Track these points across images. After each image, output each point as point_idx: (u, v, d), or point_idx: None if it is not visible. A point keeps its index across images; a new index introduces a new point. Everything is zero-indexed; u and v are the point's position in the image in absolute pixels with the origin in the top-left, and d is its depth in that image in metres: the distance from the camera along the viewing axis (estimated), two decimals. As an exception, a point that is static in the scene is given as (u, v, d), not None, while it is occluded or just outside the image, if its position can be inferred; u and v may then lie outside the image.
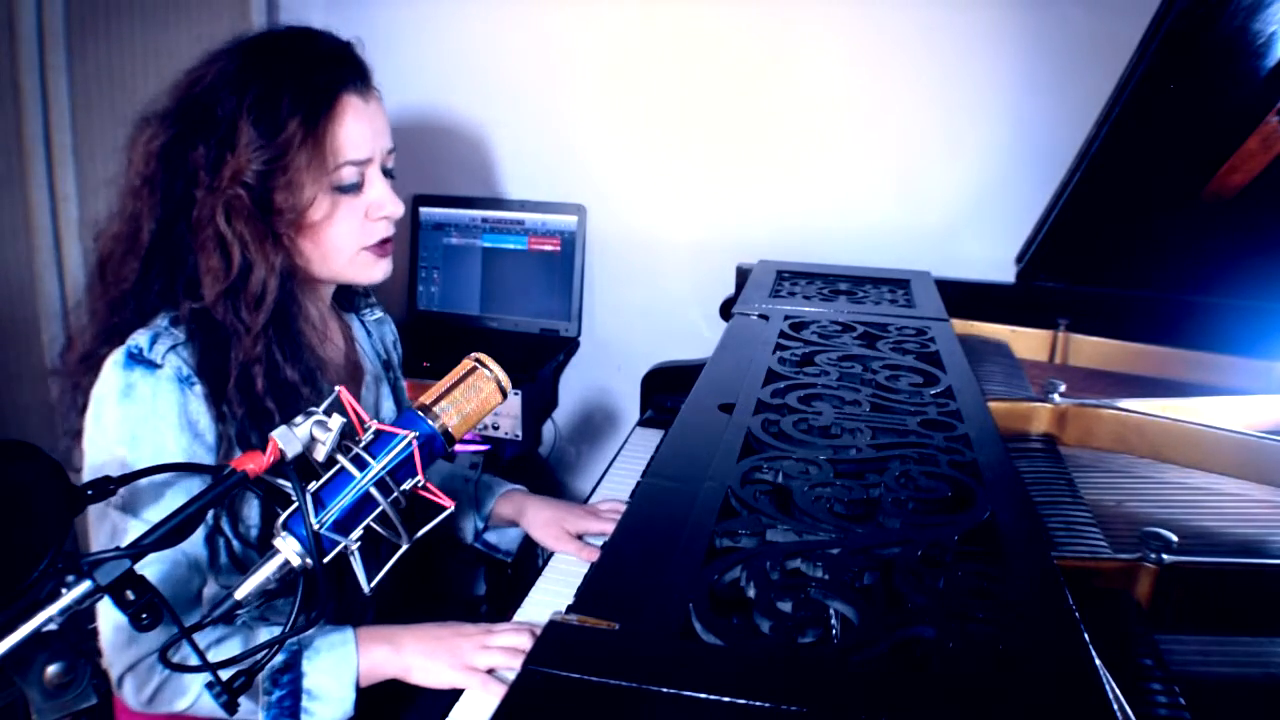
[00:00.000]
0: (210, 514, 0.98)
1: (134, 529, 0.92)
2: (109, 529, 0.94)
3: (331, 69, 1.03)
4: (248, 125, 0.98)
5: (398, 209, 1.09)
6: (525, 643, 1.00)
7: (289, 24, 1.09)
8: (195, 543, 0.97)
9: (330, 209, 1.04)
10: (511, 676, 0.98)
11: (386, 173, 1.09)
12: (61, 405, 1.04)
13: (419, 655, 0.99)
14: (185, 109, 1.01)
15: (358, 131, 1.04)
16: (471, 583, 2.33)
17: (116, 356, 0.97)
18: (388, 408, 1.25)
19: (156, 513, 0.92)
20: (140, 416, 0.95)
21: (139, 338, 0.97)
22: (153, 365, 0.96)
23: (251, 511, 1.02)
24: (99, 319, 1.03)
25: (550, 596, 1.16)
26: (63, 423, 1.04)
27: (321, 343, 1.13)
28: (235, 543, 1.01)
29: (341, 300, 1.24)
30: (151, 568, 0.92)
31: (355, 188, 1.05)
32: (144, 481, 0.92)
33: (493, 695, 0.95)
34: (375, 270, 1.11)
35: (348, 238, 1.07)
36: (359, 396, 1.17)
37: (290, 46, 1.04)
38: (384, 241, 1.10)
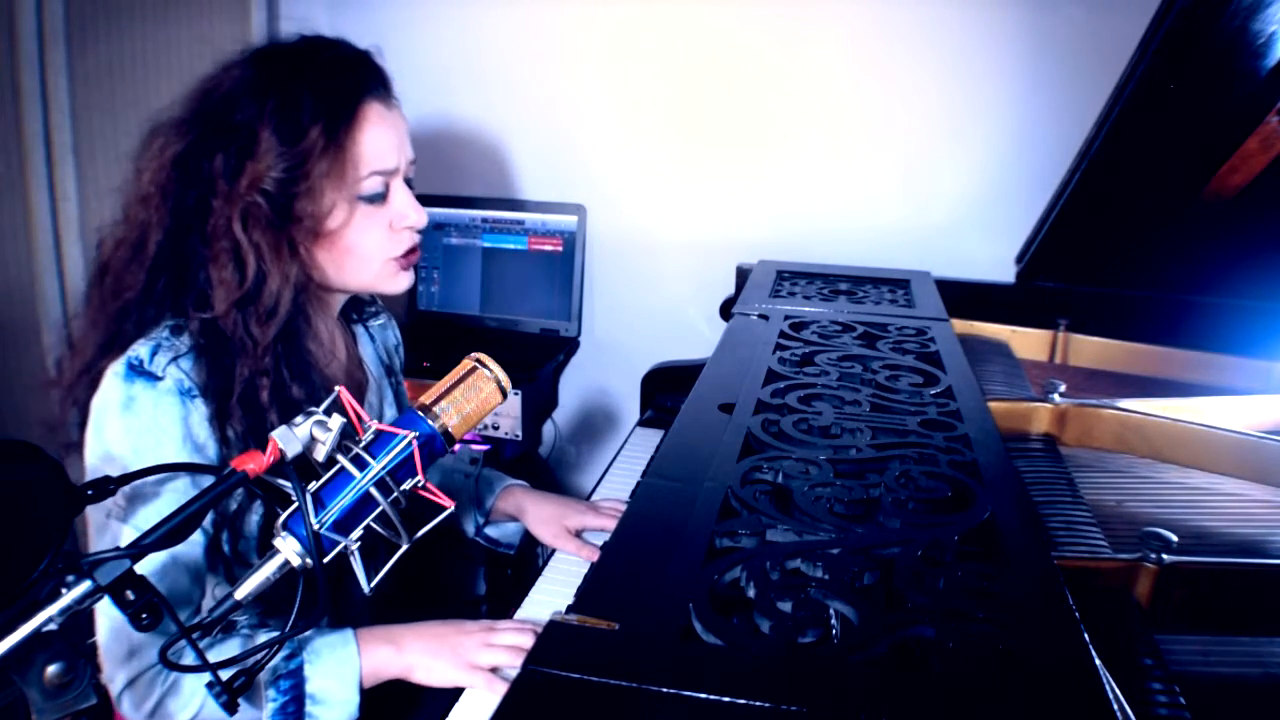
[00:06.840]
0: (211, 527, 0.97)
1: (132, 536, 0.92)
2: (109, 540, 0.92)
3: (353, 75, 1.02)
4: (268, 132, 0.96)
5: (421, 219, 1.07)
6: (528, 641, 0.99)
7: (302, 32, 1.05)
8: (196, 552, 0.96)
9: (349, 217, 1.02)
10: (514, 675, 0.98)
11: (407, 182, 1.08)
12: (61, 416, 1.01)
13: (421, 654, 0.99)
14: (201, 117, 0.99)
15: (383, 139, 1.02)
16: (471, 582, 2.33)
17: (117, 368, 0.94)
18: (389, 415, 1.24)
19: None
20: (142, 429, 0.93)
21: (140, 349, 0.95)
22: (153, 378, 0.94)
23: (251, 526, 1.00)
24: (100, 329, 1.00)
25: (550, 596, 1.16)
26: (59, 434, 1.01)
27: (329, 362, 1.11)
28: (233, 566, 1.00)
29: (347, 311, 1.22)
30: (152, 576, 0.91)
31: (380, 198, 1.04)
32: (146, 493, 0.91)
33: (497, 694, 0.95)
34: (401, 281, 1.10)
35: (375, 249, 1.05)
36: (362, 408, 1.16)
37: (310, 53, 1.02)
38: (410, 252, 1.09)
